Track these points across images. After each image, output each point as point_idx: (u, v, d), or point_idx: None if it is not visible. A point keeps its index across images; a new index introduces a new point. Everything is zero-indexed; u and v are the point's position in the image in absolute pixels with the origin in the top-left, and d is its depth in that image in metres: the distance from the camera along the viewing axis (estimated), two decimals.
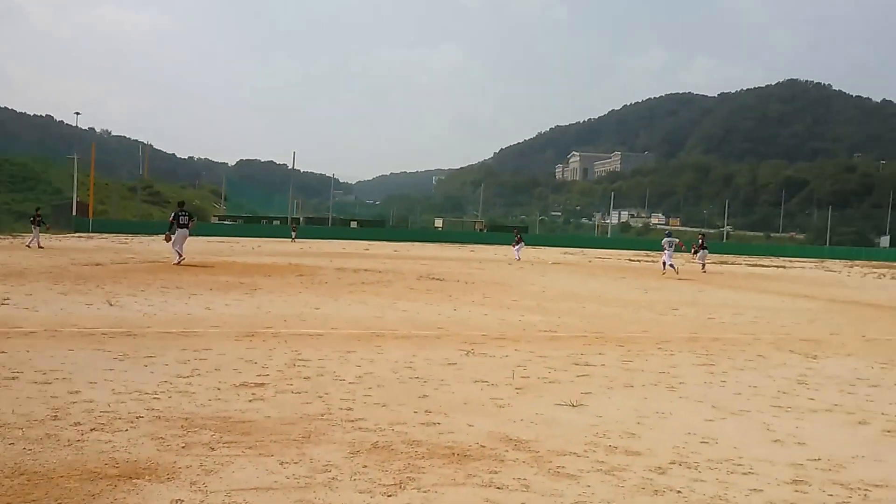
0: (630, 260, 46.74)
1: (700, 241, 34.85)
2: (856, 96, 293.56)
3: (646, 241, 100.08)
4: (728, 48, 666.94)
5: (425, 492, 4.17)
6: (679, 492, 4.35)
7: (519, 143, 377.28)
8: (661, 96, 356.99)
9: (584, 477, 4.53)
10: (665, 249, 30.17)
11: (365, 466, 4.56)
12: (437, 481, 4.34)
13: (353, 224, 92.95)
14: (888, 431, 6.04)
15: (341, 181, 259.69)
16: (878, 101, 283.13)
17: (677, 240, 31.80)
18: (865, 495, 4.45)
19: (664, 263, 29.85)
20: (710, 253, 36.98)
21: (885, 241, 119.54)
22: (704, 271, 32.96)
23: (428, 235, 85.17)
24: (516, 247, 40.82)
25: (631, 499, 4.20)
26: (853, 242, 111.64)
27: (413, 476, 4.41)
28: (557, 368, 8.14)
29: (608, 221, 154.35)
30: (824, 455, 5.24)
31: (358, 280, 20.09)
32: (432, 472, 4.50)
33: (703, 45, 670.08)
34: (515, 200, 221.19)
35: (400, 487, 4.22)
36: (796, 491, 4.46)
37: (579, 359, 8.84)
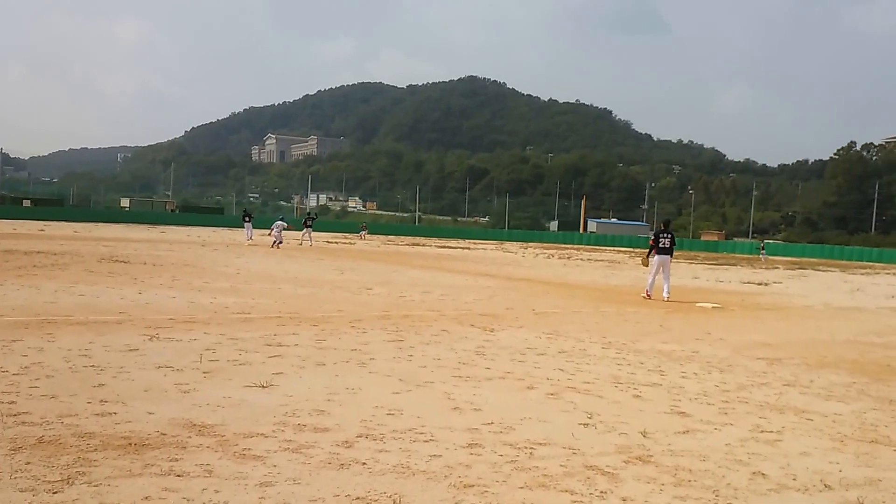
0: (328, 242, 47.23)
1: (305, 220, 43.61)
2: (527, 94, 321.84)
3: (344, 223, 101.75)
4: (414, 43, 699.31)
5: (97, 485, 3.85)
6: (364, 463, 4.44)
7: (212, 122, 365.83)
8: (353, 84, 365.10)
9: (270, 457, 4.46)
10: (273, 230, 36.99)
11: (28, 463, 4.12)
12: (111, 474, 4.03)
13: (27, 203, 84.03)
14: (552, 394, 6.67)
15: (12, 156, 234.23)
16: (546, 99, 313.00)
17: (285, 224, 38.68)
18: (531, 453, 4.86)
19: (274, 242, 36.49)
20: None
21: (554, 225, 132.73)
22: (311, 246, 40.18)
23: (113, 216, 79.64)
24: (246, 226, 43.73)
25: (317, 474, 4.22)
26: (528, 226, 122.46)
27: (83, 470, 4.06)
28: (249, 350, 7.96)
29: (307, 204, 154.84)
30: (497, 419, 5.66)
31: (29, 263, 18.20)
32: (105, 464, 4.18)
33: (389, 38, 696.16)
34: (210, 181, 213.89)
35: (67, 483, 3.86)
36: (471, 454, 4.76)
37: (272, 339, 8.73)
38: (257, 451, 4.55)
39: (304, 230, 42.53)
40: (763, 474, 4.70)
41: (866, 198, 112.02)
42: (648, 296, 17.37)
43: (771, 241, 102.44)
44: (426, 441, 4.98)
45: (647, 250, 18.10)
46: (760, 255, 56.00)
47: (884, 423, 6.30)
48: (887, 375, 8.67)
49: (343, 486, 4.07)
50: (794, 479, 4.64)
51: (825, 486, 4.55)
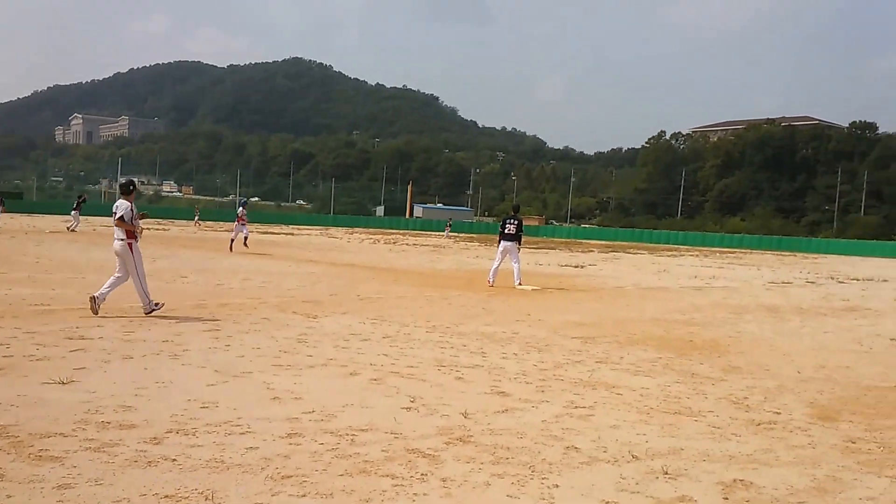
0: (147, 228, 44.86)
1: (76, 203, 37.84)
2: (353, 78, 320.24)
3: (158, 208, 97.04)
4: (233, 21, 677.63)
5: None
6: (174, 460, 4.21)
7: (11, 101, 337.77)
8: (169, 62, 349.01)
9: (70, 457, 4.13)
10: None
11: None
12: None
13: None
14: (375, 380, 6.63)
15: None
16: (373, 84, 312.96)
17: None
18: (353, 439, 4.79)
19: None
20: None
21: (380, 210, 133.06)
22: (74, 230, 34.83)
23: None
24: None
25: (121, 474, 3.94)
26: (354, 211, 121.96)
27: None
28: (48, 344, 7.37)
29: (116, 188, 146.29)
30: (318, 407, 5.54)
31: None
32: None
33: (207, 16, 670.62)
34: (7, 164, 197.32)
35: None
36: (290, 444, 4.63)
37: (74, 332, 8.13)
38: (55, 452, 4.21)
39: (73, 212, 37.12)
40: (576, 448, 4.88)
41: (674, 184, 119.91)
42: (491, 284, 16.82)
43: (587, 226, 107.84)
44: (242, 433, 4.80)
45: (498, 237, 17.45)
46: (445, 232, 60.86)
47: (686, 395, 6.71)
48: (689, 350, 9.28)
49: (150, 484, 3.83)
50: (604, 452, 4.84)
51: (633, 456, 4.78)
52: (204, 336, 8.42)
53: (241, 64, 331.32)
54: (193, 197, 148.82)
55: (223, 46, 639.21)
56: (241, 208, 27.80)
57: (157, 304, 9.83)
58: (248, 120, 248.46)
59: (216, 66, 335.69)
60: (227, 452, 4.39)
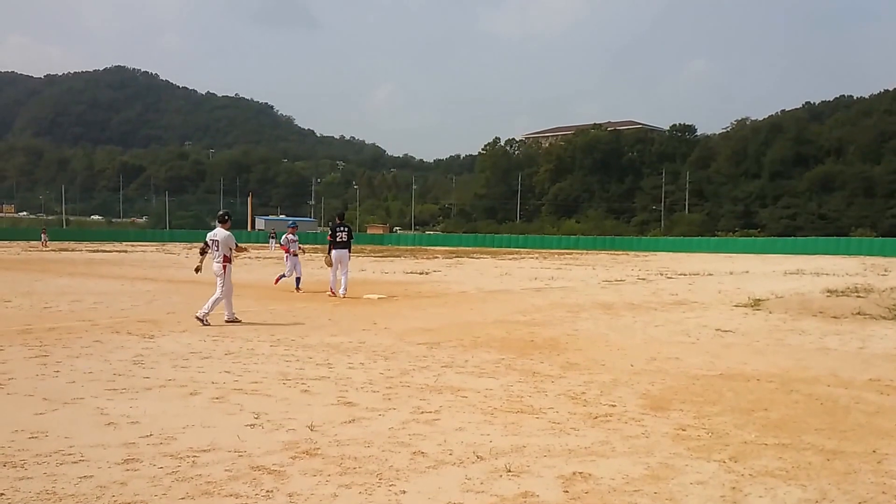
0: None
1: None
2: (182, 87, 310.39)
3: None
4: (45, 27, 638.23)
5: None
6: (1, 494, 3.96)
7: None
8: None
9: None
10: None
11: None
12: None
13: None
14: (217, 399, 6.45)
15: None
16: (204, 93, 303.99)
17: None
18: (194, 461, 4.66)
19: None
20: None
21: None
22: None
23: None
24: None
25: None
26: (192, 226, 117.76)
27: None
28: None
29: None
30: (156, 430, 5.34)
31: None
32: None
33: (15, 22, 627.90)
34: None
35: None
36: (127, 470, 4.45)
37: None
38: None
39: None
40: (423, 453, 4.94)
41: (511, 189, 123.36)
42: (333, 293, 16.80)
43: (431, 232, 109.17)
44: (75, 462, 4.57)
45: (328, 247, 17.20)
46: (271, 244, 58.77)
47: (528, 393, 6.91)
48: (530, 350, 9.55)
49: None
50: (450, 454, 4.93)
51: (477, 457, 4.88)
52: (31, 363, 7.92)
53: (59, 73, 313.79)
54: (17, 215, 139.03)
55: (37, 55, 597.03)
56: (286, 234, 19.26)
57: (236, 318, 11.97)
58: (70, 133, 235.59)
59: (32, 77, 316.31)
60: (59, 483, 4.17)
